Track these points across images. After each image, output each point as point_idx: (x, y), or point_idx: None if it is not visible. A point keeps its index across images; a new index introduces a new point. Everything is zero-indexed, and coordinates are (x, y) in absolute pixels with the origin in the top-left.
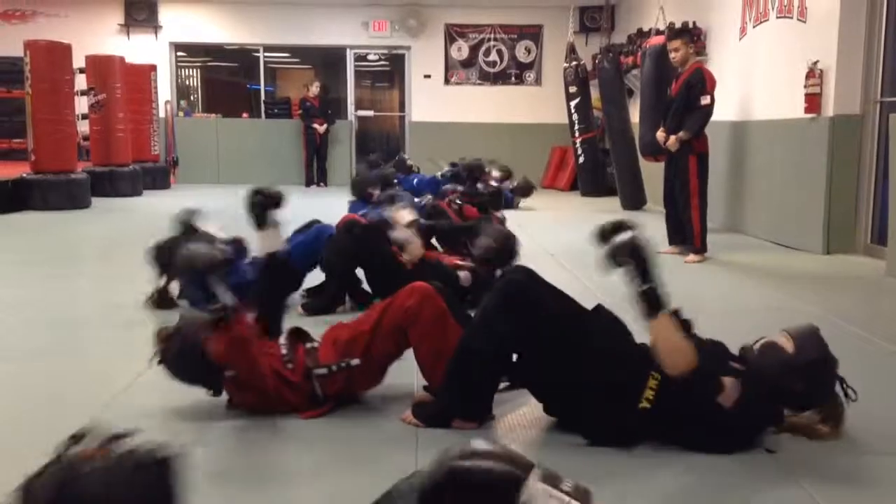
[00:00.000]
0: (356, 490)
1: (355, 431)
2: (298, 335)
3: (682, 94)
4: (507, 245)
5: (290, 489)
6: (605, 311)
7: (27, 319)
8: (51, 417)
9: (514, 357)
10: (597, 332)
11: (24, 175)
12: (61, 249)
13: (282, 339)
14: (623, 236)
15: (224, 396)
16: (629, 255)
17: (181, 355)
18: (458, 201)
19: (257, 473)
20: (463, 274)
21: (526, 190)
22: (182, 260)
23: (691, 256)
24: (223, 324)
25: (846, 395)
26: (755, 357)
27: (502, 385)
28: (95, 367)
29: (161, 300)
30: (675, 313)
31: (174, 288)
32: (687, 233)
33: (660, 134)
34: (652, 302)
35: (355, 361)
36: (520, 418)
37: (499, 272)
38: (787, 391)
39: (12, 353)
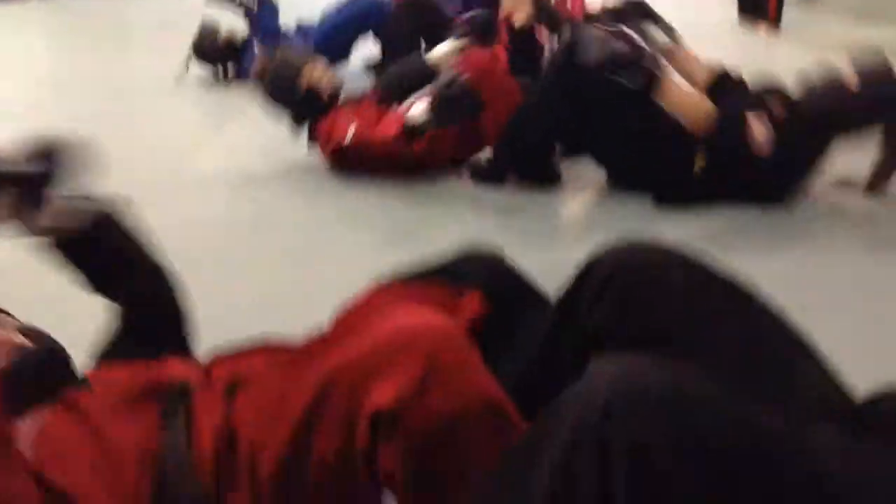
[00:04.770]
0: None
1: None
2: None
3: None
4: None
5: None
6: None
7: (83, 92)
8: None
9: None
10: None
11: None
12: (114, 28)
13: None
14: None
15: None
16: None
17: (278, 77)
18: None
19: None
20: None
21: None
22: None
23: (763, 29)
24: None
25: None
26: (812, 94)
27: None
28: (158, 133)
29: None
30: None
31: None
32: (760, 2)
33: None
34: (646, 75)
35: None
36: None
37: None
38: (845, 119)
39: (79, 114)
